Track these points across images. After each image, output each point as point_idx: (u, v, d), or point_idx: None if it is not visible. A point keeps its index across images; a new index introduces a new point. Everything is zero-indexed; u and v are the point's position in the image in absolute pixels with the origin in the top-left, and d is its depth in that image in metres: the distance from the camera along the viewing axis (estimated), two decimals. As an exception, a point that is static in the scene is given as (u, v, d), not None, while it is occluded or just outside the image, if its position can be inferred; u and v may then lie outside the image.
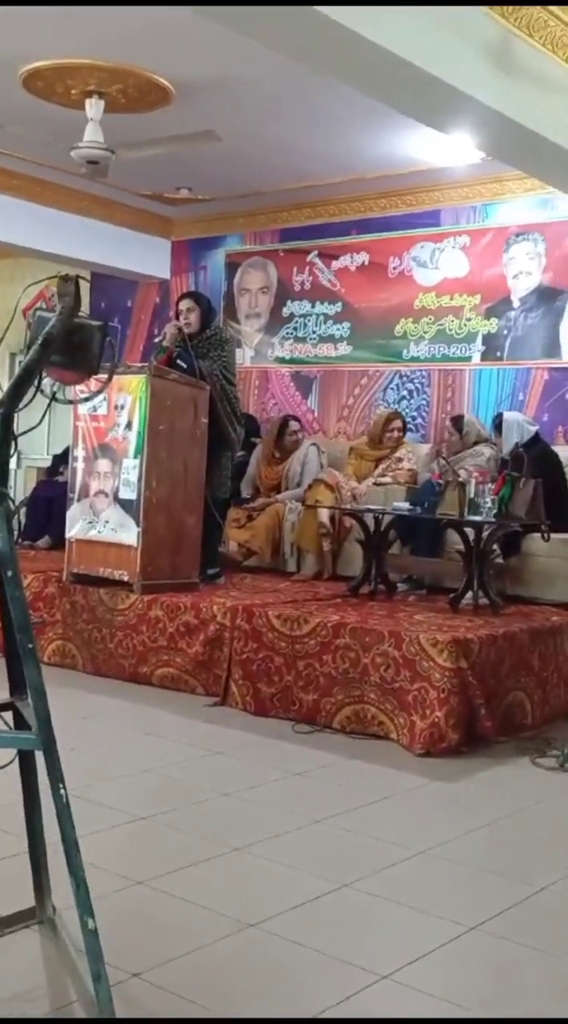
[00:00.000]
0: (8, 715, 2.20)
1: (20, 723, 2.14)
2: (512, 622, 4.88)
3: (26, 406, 2.12)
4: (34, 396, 2.15)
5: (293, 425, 7.11)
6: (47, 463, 8.10)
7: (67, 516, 5.50)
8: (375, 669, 4.40)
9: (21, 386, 2.09)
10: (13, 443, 2.09)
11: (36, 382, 2.14)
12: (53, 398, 2.39)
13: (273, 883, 2.81)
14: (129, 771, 3.76)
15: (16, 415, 2.08)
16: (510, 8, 3.97)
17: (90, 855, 2.02)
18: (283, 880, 2.83)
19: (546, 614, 5.23)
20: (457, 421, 6.49)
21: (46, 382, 2.26)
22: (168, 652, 5.05)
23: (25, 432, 2.26)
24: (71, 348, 2.18)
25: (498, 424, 6.20)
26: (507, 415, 6.27)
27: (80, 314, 2.19)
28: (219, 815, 3.37)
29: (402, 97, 4.24)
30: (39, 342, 2.11)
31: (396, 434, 6.75)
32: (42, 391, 2.22)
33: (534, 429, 6.22)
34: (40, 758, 1.96)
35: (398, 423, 6.80)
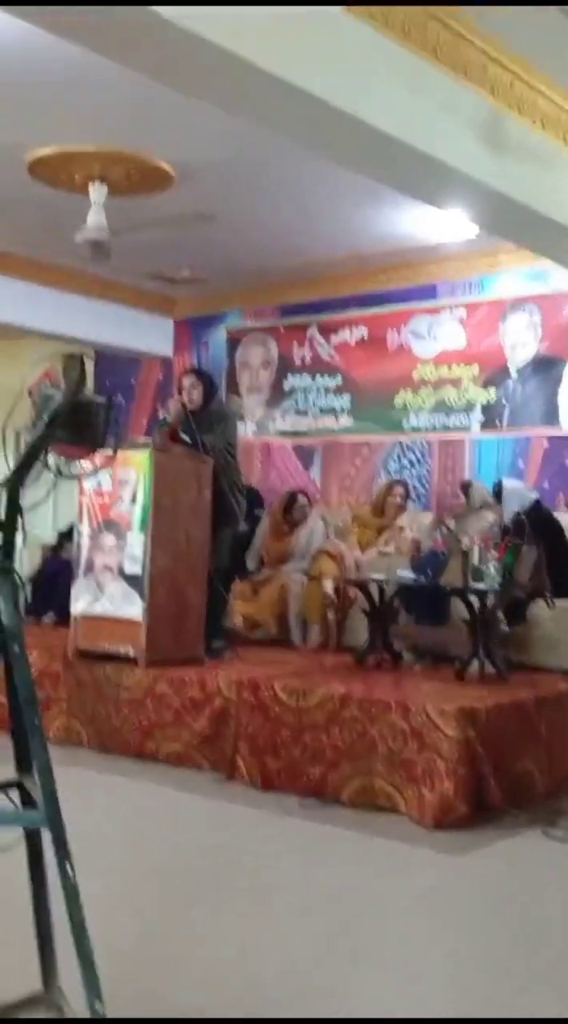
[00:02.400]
0: (15, 793, 2.19)
1: (27, 801, 2.13)
2: (519, 690, 4.85)
3: (33, 483, 2.15)
4: (41, 472, 2.18)
5: (301, 499, 7.15)
6: (53, 540, 8.12)
7: (72, 591, 5.50)
8: (382, 741, 4.36)
9: (27, 463, 2.12)
10: (20, 519, 2.11)
11: (42, 458, 2.18)
12: (59, 474, 2.42)
13: (287, 960, 2.75)
14: (137, 849, 3.71)
15: (22, 491, 2.10)
16: (500, 86, 4.10)
17: (98, 935, 1.98)
18: (289, 957, 2.77)
19: (552, 681, 5.20)
20: (466, 486, 6.54)
21: (51, 457, 2.29)
22: (174, 728, 5.01)
23: (32, 508, 2.27)
24: (76, 424, 2.21)
25: (498, 492, 6.23)
26: (506, 483, 6.32)
27: (84, 390, 2.23)
28: (230, 894, 3.32)
29: (396, 175, 4.35)
30: (45, 419, 2.15)
31: (398, 500, 6.79)
32: (48, 467, 2.25)
33: (534, 497, 6.25)
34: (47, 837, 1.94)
35: (400, 489, 6.86)
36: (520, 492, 6.18)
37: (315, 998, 2.52)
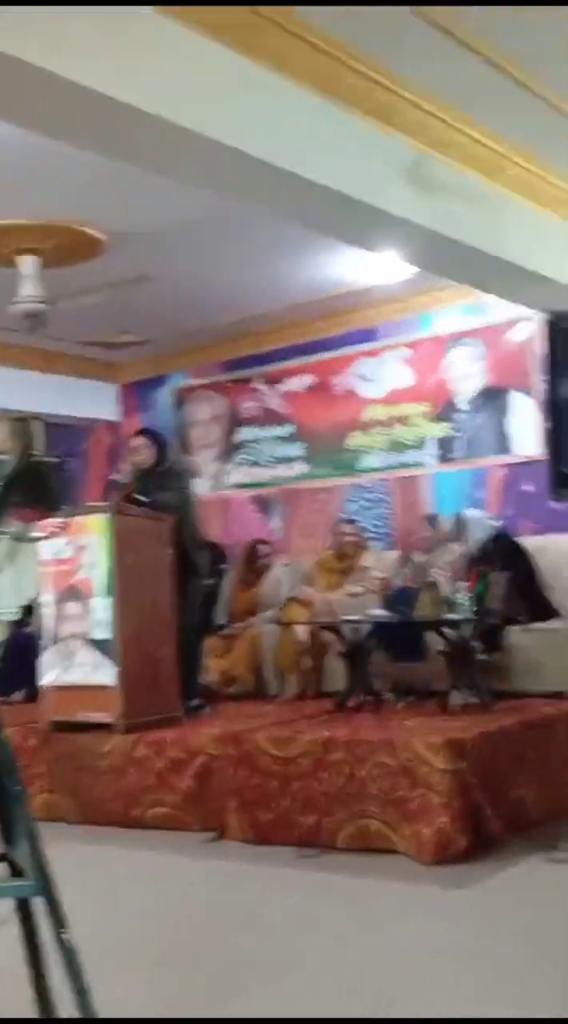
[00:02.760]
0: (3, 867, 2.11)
1: (16, 873, 2.05)
2: (504, 717, 4.82)
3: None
4: (-1, 541, 2.16)
5: (263, 549, 7.14)
6: (15, 615, 8.00)
7: (40, 663, 5.41)
8: (373, 781, 4.29)
9: (-14, 528, 2.09)
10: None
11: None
12: (18, 539, 2.39)
13: (318, 1011, 2.66)
14: (132, 919, 3.59)
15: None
16: (420, 128, 4.18)
17: (104, 1011, 1.91)
18: (318, 1012, 2.68)
19: (536, 706, 5.17)
20: (431, 519, 6.55)
21: (9, 523, 2.26)
22: (158, 791, 4.90)
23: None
24: (31, 487, 2.20)
25: (460, 524, 6.26)
26: (468, 513, 6.35)
27: (35, 453, 2.21)
28: (235, 952, 3.21)
29: (327, 222, 4.42)
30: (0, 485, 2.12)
31: (348, 537, 6.79)
32: (5, 532, 2.22)
33: (496, 523, 6.29)
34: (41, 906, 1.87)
35: (349, 528, 6.91)
36: (481, 521, 6.21)
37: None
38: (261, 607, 6.88)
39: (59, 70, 2.86)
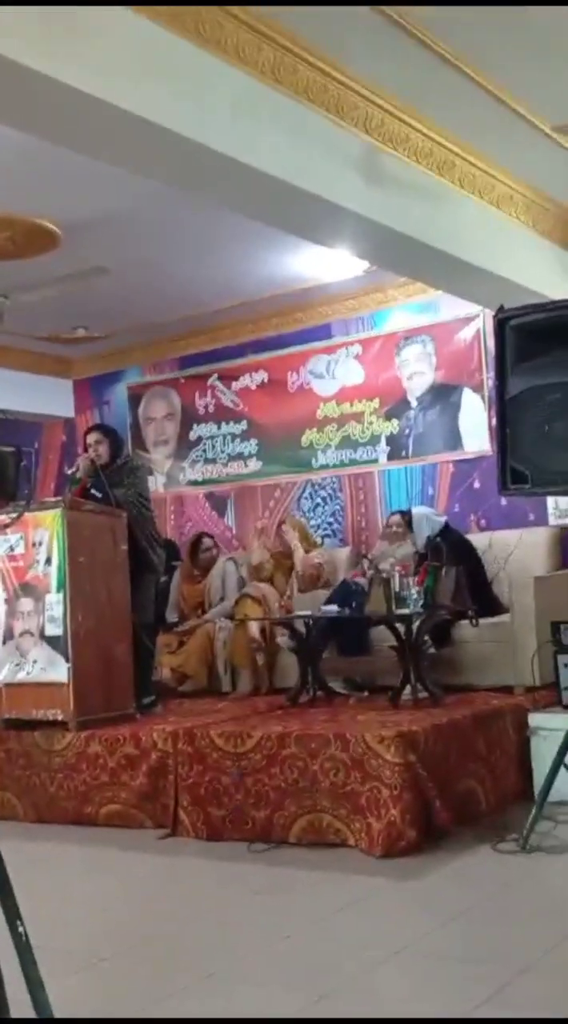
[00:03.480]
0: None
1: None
2: (454, 710, 4.87)
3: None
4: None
5: (206, 542, 7.14)
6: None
7: (-7, 661, 5.36)
8: (325, 775, 4.32)
9: None
10: None
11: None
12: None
13: (252, 1005, 2.68)
14: (85, 914, 3.59)
15: None
16: (373, 123, 4.22)
17: (56, 1004, 1.90)
18: (262, 1000, 2.71)
19: (485, 699, 5.23)
20: (407, 514, 6.54)
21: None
22: (111, 788, 4.89)
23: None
24: (-13, 475, 2.18)
25: (408, 520, 6.31)
26: (415, 510, 6.41)
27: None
28: (185, 945, 3.23)
29: (281, 215, 4.43)
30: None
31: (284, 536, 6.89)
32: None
33: (443, 520, 6.35)
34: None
35: (285, 526, 7.01)
36: (429, 517, 6.27)
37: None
38: (208, 600, 6.88)
39: (6, 51, 2.84)
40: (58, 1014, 1.83)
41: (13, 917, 1.78)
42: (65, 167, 4.68)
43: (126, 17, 3.19)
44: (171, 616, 6.96)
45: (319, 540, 7.26)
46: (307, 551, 6.81)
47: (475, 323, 6.85)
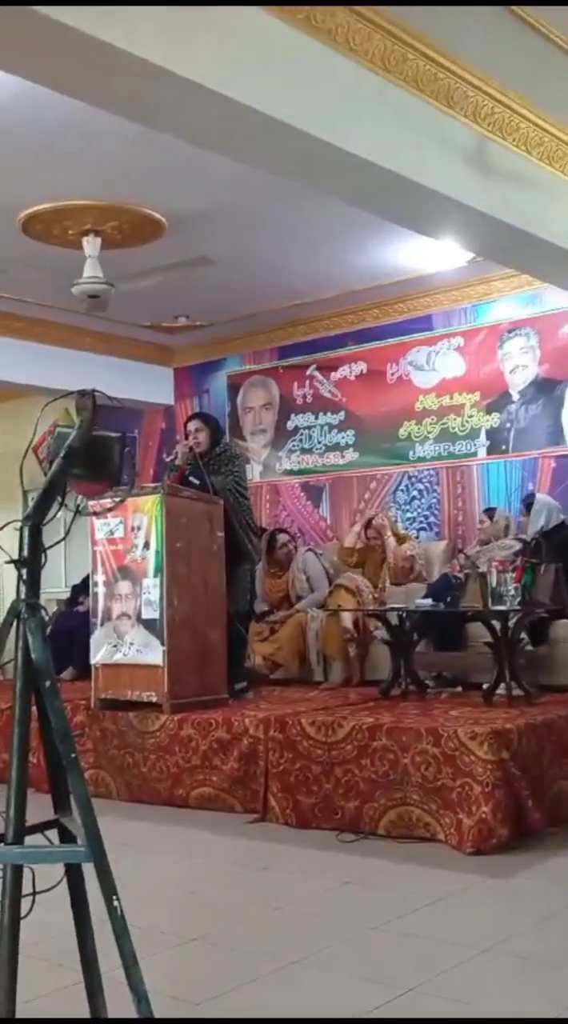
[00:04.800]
0: (54, 834, 2.15)
1: (67, 840, 2.09)
2: (549, 710, 4.80)
3: (51, 519, 2.14)
4: (59, 510, 2.17)
5: (281, 537, 7.16)
6: (65, 595, 8.11)
7: (91, 641, 5.48)
8: (416, 768, 4.30)
9: (46, 499, 2.12)
10: (43, 555, 2.10)
11: (60, 496, 2.17)
12: (77, 511, 2.42)
13: (336, 995, 2.69)
14: (175, 894, 3.65)
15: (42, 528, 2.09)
16: (483, 112, 4.16)
17: (146, 980, 1.94)
18: (346, 991, 2.71)
19: (581, 700, 5.14)
20: (491, 511, 6.53)
21: (70, 496, 2.28)
22: (203, 771, 4.96)
23: (51, 546, 2.25)
24: (92, 460, 2.21)
25: (529, 503, 6.22)
26: (540, 496, 6.33)
27: (98, 427, 2.23)
28: (272, 930, 3.26)
29: (387, 205, 4.41)
30: (61, 455, 2.14)
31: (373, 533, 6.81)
32: (66, 505, 2.24)
33: (563, 518, 6.23)
34: (90, 874, 1.91)
35: (377, 519, 6.92)
36: (551, 508, 6.17)
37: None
38: (294, 593, 6.91)
39: (124, 45, 2.87)
40: (148, 990, 1.86)
41: (110, 892, 1.82)
42: (173, 158, 4.74)
43: (238, 8, 3.20)
44: (259, 607, 7.00)
45: (414, 533, 7.21)
46: (399, 543, 6.77)
47: (582, 316, 6.72)
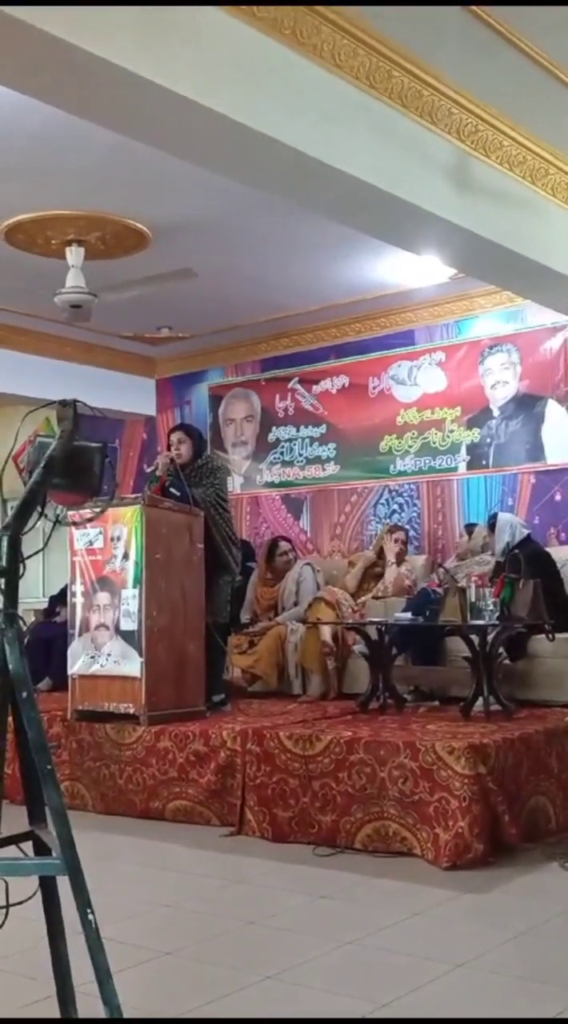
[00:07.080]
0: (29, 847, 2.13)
1: (42, 852, 2.08)
2: (526, 725, 4.81)
3: (30, 529, 2.13)
4: (38, 519, 2.17)
5: (283, 545, 7.15)
6: (43, 605, 8.06)
7: (69, 652, 5.45)
8: (393, 783, 4.30)
9: (26, 509, 2.11)
10: (22, 565, 2.09)
11: (40, 506, 2.16)
12: (57, 521, 2.41)
13: (311, 1010, 2.68)
14: (149, 907, 3.63)
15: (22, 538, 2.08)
16: (466, 131, 4.19)
17: (119, 994, 1.92)
18: (321, 1005, 2.70)
19: (559, 715, 5.15)
20: (470, 528, 6.57)
21: (49, 506, 2.27)
22: (179, 783, 4.93)
23: (30, 556, 2.24)
24: (73, 470, 2.20)
25: (492, 524, 6.25)
26: (501, 515, 6.34)
27: (79, 437, 2.22)
28: (247, 945, 3.24)
29: (369, 220, 4.43)
30: (42, 465, 2.14)
31: (398, 545, 6.77)
32: (45, 515, 2.23)
33: (526, 532, 6.27)
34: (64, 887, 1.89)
35: (401, 535, 6.87)
36: (513, 525, 6.19)
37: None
38: (281, 603, 6.90)
39: (107, 55, 2.88)
40: (121, 1004, 1.85)
41: (84, 905, 1.81)
42: (157, 170, 4.75)
43: (223, 21, 3.21)
44: (244, 616, 7.00)
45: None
46: (399, 564, 6.74)
47: (562, 333, 6.77)
